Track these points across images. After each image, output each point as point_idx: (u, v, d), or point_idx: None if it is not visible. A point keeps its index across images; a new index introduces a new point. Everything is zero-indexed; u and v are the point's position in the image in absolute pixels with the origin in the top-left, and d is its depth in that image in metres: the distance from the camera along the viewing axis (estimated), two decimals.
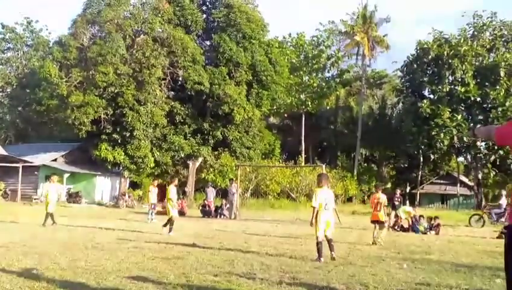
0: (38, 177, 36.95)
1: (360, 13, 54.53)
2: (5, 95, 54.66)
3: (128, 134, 36.17)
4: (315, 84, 54.36)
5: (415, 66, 48.26)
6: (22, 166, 35.29)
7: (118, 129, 36.32)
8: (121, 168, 38.20)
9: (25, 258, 9.60)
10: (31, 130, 53.06)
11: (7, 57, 54.74)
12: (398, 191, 23.35)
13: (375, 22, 54.86)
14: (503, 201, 25.64)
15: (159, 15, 37.90)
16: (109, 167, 38.39)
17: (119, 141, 36.56)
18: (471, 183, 52.38)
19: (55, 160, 39.01)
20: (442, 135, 43.58)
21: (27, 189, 36.06)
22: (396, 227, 21.45)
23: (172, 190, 16.04)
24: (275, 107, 50.76)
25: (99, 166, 38.72)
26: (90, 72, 35.78)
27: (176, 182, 17.64)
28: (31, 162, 36.40)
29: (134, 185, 41.77)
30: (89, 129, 35.62)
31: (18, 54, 54.51)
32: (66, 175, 37.33)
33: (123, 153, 36.64)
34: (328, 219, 10.67)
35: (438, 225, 20.60)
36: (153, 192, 23.11)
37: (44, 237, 13.61)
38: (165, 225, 15.62)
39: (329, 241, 10.65)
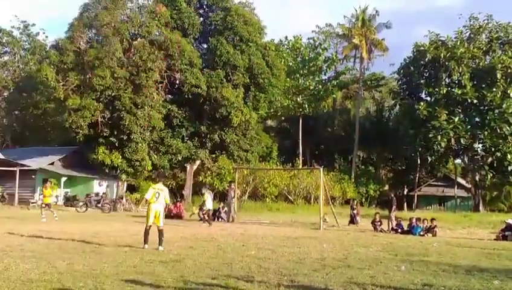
0: (36, 181, 36.85)
1: (359, 16, 54.51)
2: (2, 99, 54.60)
3: (125, 137, 36.12)
4: (312, 87, 54.38)
5: (412, 68, 48.28)
6: (19, 170, 35.18)
7: (115, 132, 36.28)
8: (118, 171, 38.11)
9: (22, 262, 9.58)
10: (28, 133, 52.99)
11: (4, 61, 54.67)
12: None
13: (374, 26, 54.82)
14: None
15: (156, 18, 37.88)
16: (107, 171, 38.31)
17: (116, 145, 36.51)
18: (468, 185, 52.35)
19: (52, 164, 38.89)
20: (439, 137, 43.59)
21: (24, 193, 35.90)
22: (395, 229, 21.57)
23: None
24: (272, 110, 50.79)
25: (96, 169, 38.61)
26: (87, 76, 35.73)
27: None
28: (28, 166, 36.27)
29: (131, 189, 41.69)
30: (86, 133, 35.54)
31: (15, 58, 54.45)
32: (64, 179, 37.24)
33: (120, 157, 36.57)
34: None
35: (435, 227, 20.67)
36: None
37: (41, 240, 13.58)
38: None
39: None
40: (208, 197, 27.15)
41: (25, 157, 38.68)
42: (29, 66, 52.09)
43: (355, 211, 26.03)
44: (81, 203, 31.48)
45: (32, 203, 32.57)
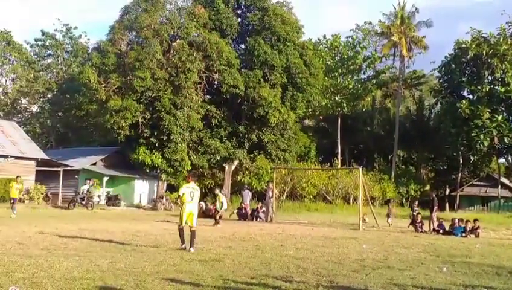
0: (79, 181, 37.69)
1: (398, 13, 53.77)
2: (45, 101, 55.97)
3: (165, 138, 36.53)
4: (350, 86, 53.89)
5: (453, 66, 47.41)
6: (63, 170, 36.01)
7: (156, 133, 36.72)
8: (158, 171, 38.60)
9: (65, 260, 9.80)
10: (71, 134, 54.24)
11: (48, 64, 56.08)
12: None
13: (414, 23, 54.01)
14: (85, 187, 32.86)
15: (195, 20, 38.17)
16: (147, 171, 38.84)
17: (156, 145, 36.96)
18: None
19: (94, 164, 39.68)
20: (482, 136, 42.71)
21: (68, 192, 36.73)
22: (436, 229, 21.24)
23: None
24: (310, 110, 50.46)
25: (137, 169, 39.20)
26: (128, 77, 36.30)
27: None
28: (72, 166, 37.10)
29: (171, 188, 42.16)
30: (127, 133, 36.06)
31: (58, 60, 55.76)
32: (105, 179, 37.96)
33: (160, 157, 37.01)
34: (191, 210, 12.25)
35: (478, 227, 20.23)
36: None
37: (84, 239, 13.89)
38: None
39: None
40: (245, 195, 27.86)
41: (68, 157, 39.59)
42: (72, 68, 53.26)
43: (416, 213, 24.71)
44: (70, 201, 32.16)
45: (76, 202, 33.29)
